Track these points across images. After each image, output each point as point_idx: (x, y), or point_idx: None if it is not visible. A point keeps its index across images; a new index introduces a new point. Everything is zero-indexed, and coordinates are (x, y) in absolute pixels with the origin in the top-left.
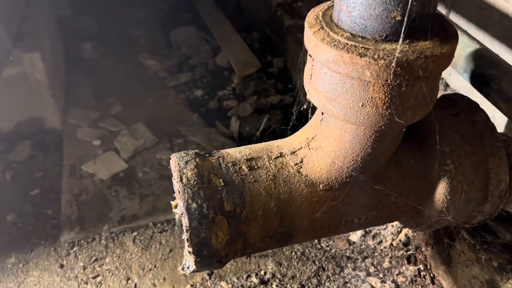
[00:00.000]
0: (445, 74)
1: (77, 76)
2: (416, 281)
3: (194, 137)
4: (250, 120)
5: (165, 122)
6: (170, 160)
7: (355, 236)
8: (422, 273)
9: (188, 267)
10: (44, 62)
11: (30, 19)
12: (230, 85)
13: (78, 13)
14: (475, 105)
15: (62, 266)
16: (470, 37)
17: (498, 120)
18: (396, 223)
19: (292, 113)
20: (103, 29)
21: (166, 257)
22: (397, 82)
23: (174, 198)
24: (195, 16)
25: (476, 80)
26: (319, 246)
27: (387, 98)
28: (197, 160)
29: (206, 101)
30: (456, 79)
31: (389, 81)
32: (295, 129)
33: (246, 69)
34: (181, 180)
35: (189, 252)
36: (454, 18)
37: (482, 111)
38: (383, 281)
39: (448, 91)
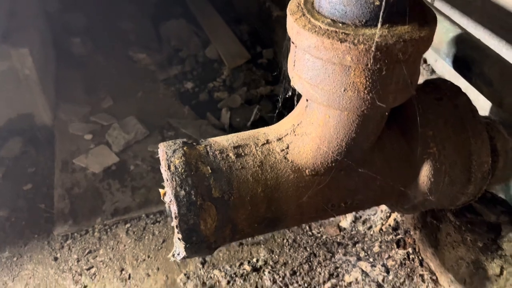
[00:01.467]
0: (431, 60)
1: (67, 71)
2: (405, 264)
3: (185, 129)
4: (241, 111)
5: (156, 115)
6: (158, 150)
7: (346, 222)
8: (411, 256)
9: (178, 254)
10: (33, 58)
11: (18, 14)
12: (220, 77)
13: (67, 8)
14: (457, 89)
15: (56, 259)
16: (453, 22)
17: (482, 104)
18: (385, 208)
19: (279, 101)
20: (92, 24)
21: (159, 248)
22: (377, 66)
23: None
24: (184, 9)
25: (459, 64)
26: (310, 233)
27: (368, 83)
28: (184, 148)
29: (197, 93)
30: (442, 65)
31: (369, 65)
32: (282, 116)
33: (235, 60)
34: (169, 168)
35: (178, 238)
36: (438, 4)
37: (464, 94)
38: (373, 265)
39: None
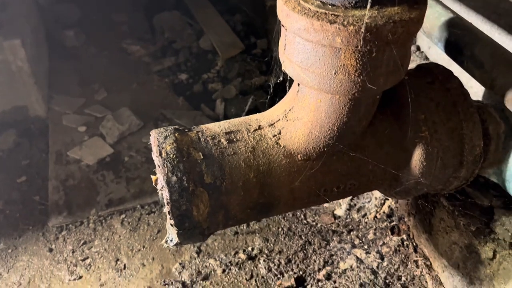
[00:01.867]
0: (424, 47)
1: (61, 63)
2: (399, 250)
3: (180, 120)
4: (235, 102)
5: (150, 107)
6: (150, 136)
7: (340, 210)
8: (405, 243)
9: (171, 240)
10: (26, 49)
11: (10, 6)
12: (214, 68)
13: (59, 0)
14: (449, 73)
15: (51, 250)
16: (445, 7)
17: (475, 90)
18: (379, 195)
19: (273, 93)
20: (85, 16)
21: (154, 238)
22: (367, 48)
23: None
24: (177, 0)
25: (450, 48)
26: (305, 221)
27: (358, 65)
28: (176, 135)
29: (191, 85)
30: (435, 52)
31: (359, 47)
32: (274, 103)
33: (229, 51)
34: (160, 154)
35: (171, 224)
36: None
37: (456, 78)
38: (367, 252)
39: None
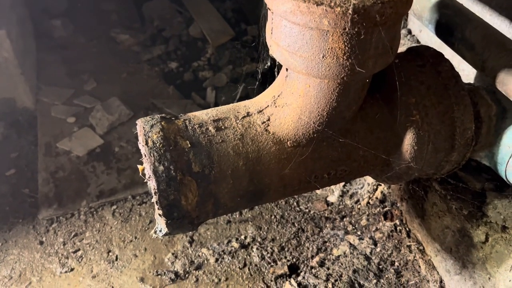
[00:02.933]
0: (415, 31)
1: (49, 54)
2: (392, 236)
3: (170, 109)
4: (226, 89)
5: (140, 96)
6: (137, 126)
7: (333, 197)
8: (398, 228)
9: (160, 230)
10: (11, 40)
11: None
12: (204, 56)
13: None
14: (440, 55)
15: (41, 243)
16: None
17: (467, 73)
18: (372, 181)
19: (263, 79)
20: (72, 6)
21: (146, 228)
22: (356, 30)
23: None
24: None
25: (441, 30)
26: (298, 209)
27: (347, 48)
28: (162, 123)
29: (181, 73)
30: (427, 36)
31: (347, 29)
32: (263, 89)
33: (219, 38)
34: (146, 143)
35: (159, 214)
36: None
37: (447, 61)
38: (361, 238)
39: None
